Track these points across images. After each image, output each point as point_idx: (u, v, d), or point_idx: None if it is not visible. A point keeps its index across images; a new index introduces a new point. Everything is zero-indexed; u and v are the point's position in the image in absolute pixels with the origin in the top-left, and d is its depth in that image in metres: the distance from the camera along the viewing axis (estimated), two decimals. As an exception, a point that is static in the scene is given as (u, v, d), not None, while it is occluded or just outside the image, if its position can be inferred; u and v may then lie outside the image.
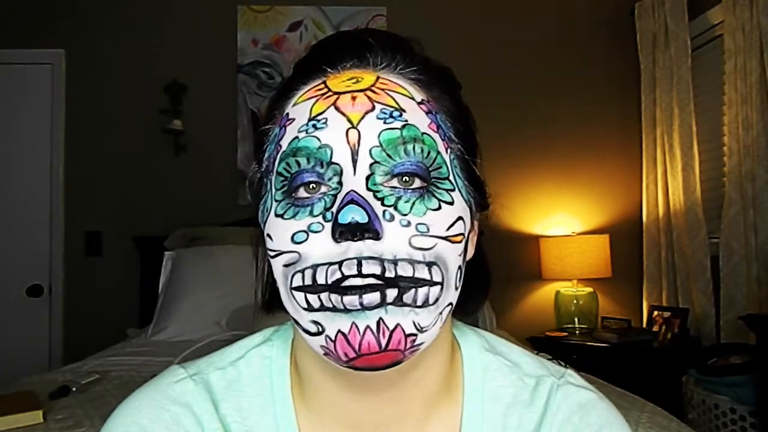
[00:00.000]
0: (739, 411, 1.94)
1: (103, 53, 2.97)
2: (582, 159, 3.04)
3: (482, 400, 0.52)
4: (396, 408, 0.49)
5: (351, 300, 0.40)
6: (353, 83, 0.45)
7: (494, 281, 0.58)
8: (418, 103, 0.46)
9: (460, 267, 0.46)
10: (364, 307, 0.40)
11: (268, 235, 0.46)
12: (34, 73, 2.93)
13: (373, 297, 0.40)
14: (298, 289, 0.43)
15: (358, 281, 0.40)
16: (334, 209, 0.41)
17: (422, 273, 0.42)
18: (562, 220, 3.00)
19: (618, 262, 2.86)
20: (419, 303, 0.42)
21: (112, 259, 2.91)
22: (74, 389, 1.48)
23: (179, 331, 2.25)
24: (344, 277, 0.40)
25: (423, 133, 0.44)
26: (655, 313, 2.69)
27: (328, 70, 0.47)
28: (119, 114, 2.95)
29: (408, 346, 0.42)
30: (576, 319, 2.78)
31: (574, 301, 2.80)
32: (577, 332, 2.75)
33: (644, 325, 2.79)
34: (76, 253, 2.90)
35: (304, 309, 0.43)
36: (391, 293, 0.41)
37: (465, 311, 0.52)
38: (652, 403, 1.36)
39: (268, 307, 0.52)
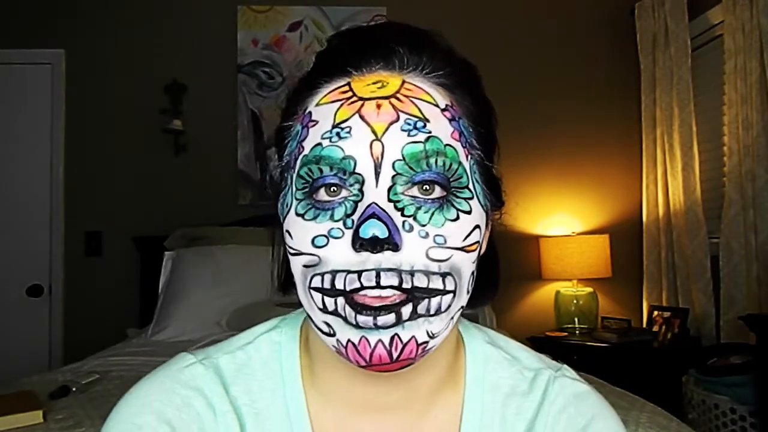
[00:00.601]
0: (739, 411, 1.94)
1: (103, 53, 2.97)
2: (582, 159, 3.04)
3: (482, 389, 0.54)
4: (402, 394, 0.51)
5: (365, 320, 0.42)
6: (378, 88, 0.45)
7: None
8: (442, 110, 0.46)
9: (473, 272, 0.47)
10: (378, 327, 0.42)
11: (288, 232, 0.47)
12: (34, 73, 2.93)
13: (387, 318, 0.42)
14: (316, 290, 0.44)
15: (376, 292, 0.41)
16: (355, 218, 0.42)
17: (436, 284, 0.43)
18: (562, 220, 3.00)
19: (618, 262, 2.86)
20: (432, 312, 0.43)
21: (112, 259, 2.91)
22: (74, 389, 1.48)
23: (179, 331, 2.25)
24: (362, 287, 0.41)
25: (446, 145, 0.45)
26: (655, 313, 2.68)
27: (353, 72, 0.47)
28: (119, 114, 2.95)
29: (420, 352, 0.43)
30: (576, 319, 2.78)
31: (574, 301, 2.80)
32: (577, 332, 2.75)
33: (644, 325, 2.79)
34: (76, 253, 2.90)
35: (319, 309, 0.44)
36: (406, 310, 0.42)
37: (471, 306, 0.53)
38: (652, 403, 1.36)
39: (284, 287, 0.53)
